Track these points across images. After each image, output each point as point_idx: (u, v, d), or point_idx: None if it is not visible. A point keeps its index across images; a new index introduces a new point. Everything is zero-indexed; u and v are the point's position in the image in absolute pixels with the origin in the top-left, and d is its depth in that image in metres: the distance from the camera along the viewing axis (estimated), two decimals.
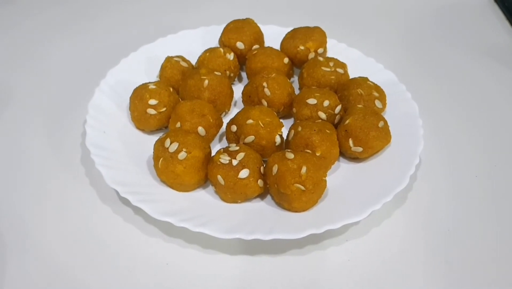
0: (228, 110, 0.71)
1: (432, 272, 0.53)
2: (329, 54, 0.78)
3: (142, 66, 0.76)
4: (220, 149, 0.58)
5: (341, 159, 0.64)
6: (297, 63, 0.76)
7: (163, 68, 0.72)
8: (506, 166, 0.66)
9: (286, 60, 0.74)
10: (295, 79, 0.77)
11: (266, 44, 0.80)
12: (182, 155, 0.56)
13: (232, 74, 0.74)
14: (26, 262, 0.53)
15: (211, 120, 0.63)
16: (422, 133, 0.63)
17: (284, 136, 0.64)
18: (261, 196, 0.59)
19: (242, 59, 0.77)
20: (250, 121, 0.61)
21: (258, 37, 0.78)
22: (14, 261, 0.53)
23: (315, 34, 0.75)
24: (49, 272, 0.52)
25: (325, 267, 0.54)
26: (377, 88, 0.68)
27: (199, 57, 0.75)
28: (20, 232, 0.56)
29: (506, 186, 0.63)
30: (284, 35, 0.78)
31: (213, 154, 0.59)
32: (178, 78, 0.71)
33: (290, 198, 0.54)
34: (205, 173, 0.58)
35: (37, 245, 0.55)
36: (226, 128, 0.64)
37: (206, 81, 0.67)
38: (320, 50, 0.75)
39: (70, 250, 0.54)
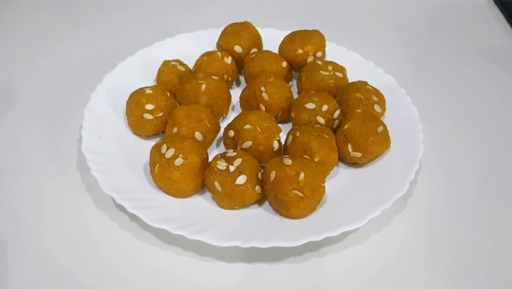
0: (226, 114, 0.70)
1: (432, 279, 0.52)
2: (328, 57, 0.77)
3: (139, 70, 0.75)
4: (217, 155, 0.58)
5: (340, 164, 0.63)
6: (296, 67, 0.76)
7: (160, 72, 0.72)
8: (506, 171, 0.65)
9: (284, 64, 0.73)
10: (294, 83, 0.77)
11: (265, 47, 0.80)
12: (178, 161, 0.55)
13: (230, 78, 0.74)
14: (25, 267, 0.53)
15: (209, 125, 0.63)
16: (422, 138, 0.62)
17: (282, 141, 0.63)
18: (259, 202, 0.58)
19: (240, 63, 0.77)
20: (247, 126, 0.60)
21: (256, 40, 0.78)
22: (14, 265, 0.53)
23: (314, 38, 0.75)
24: (46, 278, 0.52)
25: (324, 275, 0.53)
26: (376, 92, 0.67)
27: (196, 61, 0.74)
28: (17, 237, 0.56)
29: (507, 191, 0.63)
30: (282, 39, 0.77)
31: (210, 159, 0.59)
32: (175, 83, 0.71)
33: (288, 204, 0.53)
34: (202, 179, 0.57)
35: (34, 250, 0.54)
36: (223, 133, 0.64)
37: (204, 86, 0.66)
38: (319, 54, 0.75)
39: (66, 257, 0.54)
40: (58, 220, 0.58)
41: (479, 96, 0.79)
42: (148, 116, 0.64)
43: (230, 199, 0.56)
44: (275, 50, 0.77)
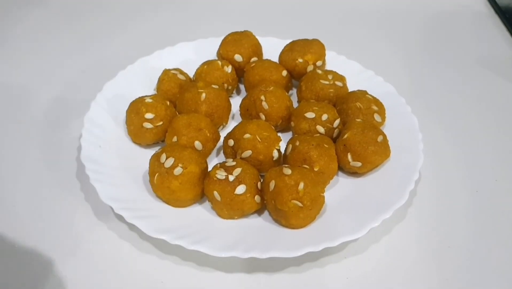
0: (226, 123, 0.70)
1: None
2: (328, 66, 0.77)
3: (139, 79, 0.75)
4: (217, 164, 0.58)
5: (339, 173, 0.63)
6: (296, 76, 0.76)
7: (160, 81, 0.72)
8: (507, 180, 0.65)
9: (284, 73, 0.73)
10: (294, 92, 0.77)
11: (265, 56, 0.80)
12: (177, 170, 0.55)
13: (230, 87, 0.74)
14: (23, 277, 0.52)
15: (208, 134, 0.62)
16: (422, 147, 0.62)
17: (282, 150, 0.63)
18: (258, 211, 0.58)
19: (240, 71, 0.77)
20: (247, 135, 0.60)
21: (256, 49, 0.78)
22: (11, 273, 0.53)
23: (314, 47, 0.75)
24: (43, 287, 0.51)
25: (323, 285, 0.53)
26: (376, 101, 0.67)
27: (196, 70, 0.74)
28: (15, 245, 0.55)
29: (507, 201, 0.62)
30: (282, 48, 0.77)
31: (209, 168, 0.59)
32: (175, 92, 0.71)
33: (287, 214, 0.53)
34: (201, 189, 0.57)
35: (32, 259, 0.54)
36: (223, 142, 0.64)
37: (204, 95, 0.66)
38: (319, 63, 0.75)
39: (64, 265, 0.54)
40: (56, 229, 0.58)
41: (480, 106, 0.79)
42: (147, 125, 0.64)
43: (229, 209, 0.55)
44: (275, 59, 0.77)
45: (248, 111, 0.68)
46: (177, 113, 0.68)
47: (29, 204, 0.61)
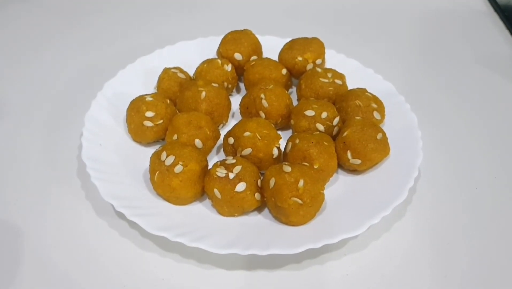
0: (226, 122, 0.71)
1: (431, 286, 0.52)
2: (328, 65, 0.78)
3: (140, 78, 0.76)
4: (217, 162, 0.58)
5: (339, 171, 0.63)
6: (295, 74, 0.76)
7: (160, 79, 0.72)
8: (506, 178, 0.65)
9: (284, 71, 0.74)
10: (293, 90, 0.77)
11: (264, 55, 0.80)
12: (178, 168, 0.56)
13: (230, 86, 0.74)
14: (25, 275, 0.53)
15: (208, 132, 0.63)
16: (421, 145, 0.63)
17: (282, 148, 0.63)
18: (259, 209, 0.58)
19: (240, 70, 0.77)
20: (247, 133, 0.60)
21: (256, 48, 0.78)
22: (13, 273, 0.53)
23: (313, 45, 0.75)
24: (46, 285, 0.52)
25: (323, 282, 0.53)
26: (375, 99, 0.68)
27: (196, 69, 0.74)
28: (17, 243, 0.56)
29: (507, 199, 0.62)
30: (282, 46, 0.78)
31: (210, 166, 0.59)
32: (175, 90, 0.71)
33: (287, 211, 0.53)
34: (201, 186, 0.57)
35: (34, 257, 0.54)
36: (223, 140, 0.64)
37: (204, 93, 0.66)
38: (319, 61, 0.75)
39: (65, 264, 0.54)
40: (58, 227, 0.58)
41: (479, 104, 0.79)
42: (148, 123, 0.64)
43: (229, 206, 0.56)
44: (275, 57, 0.77)
45: (248, 110, 0.68)
46: (177, 111, 0.68)
47: (30, 202, 0.61)
